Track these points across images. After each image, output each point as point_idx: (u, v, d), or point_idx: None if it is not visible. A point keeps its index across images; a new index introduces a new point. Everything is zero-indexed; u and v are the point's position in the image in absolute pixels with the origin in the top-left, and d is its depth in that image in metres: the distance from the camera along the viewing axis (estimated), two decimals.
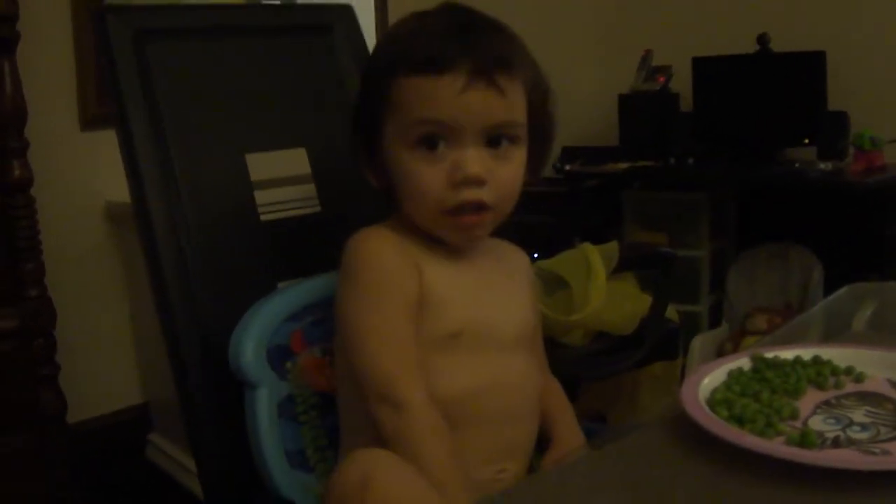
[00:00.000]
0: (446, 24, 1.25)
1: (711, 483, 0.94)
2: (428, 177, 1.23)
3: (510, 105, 1.25)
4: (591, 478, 1.02)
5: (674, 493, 0.94)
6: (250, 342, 1.36)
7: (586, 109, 4.69)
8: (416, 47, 1.23)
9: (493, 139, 1.24)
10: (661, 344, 2.79)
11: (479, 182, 1.23)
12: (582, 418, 1.46)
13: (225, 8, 1.77)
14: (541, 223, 3.52)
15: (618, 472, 1.01)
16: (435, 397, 1.19)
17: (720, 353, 3.75)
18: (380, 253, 1.27)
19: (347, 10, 1.77)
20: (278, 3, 3.35)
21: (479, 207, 1.25)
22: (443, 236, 1.30)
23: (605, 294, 2.61)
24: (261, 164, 1.55)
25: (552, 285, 2.71)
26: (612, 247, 2.73)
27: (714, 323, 4.19)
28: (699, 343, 3.76)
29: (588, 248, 2.70)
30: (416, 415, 1.16)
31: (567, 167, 4.41)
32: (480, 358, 1.29)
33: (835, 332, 1.47)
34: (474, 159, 1.22)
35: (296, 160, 1.60)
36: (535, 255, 2.83)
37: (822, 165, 3.87)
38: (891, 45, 4.09)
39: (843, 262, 2.91)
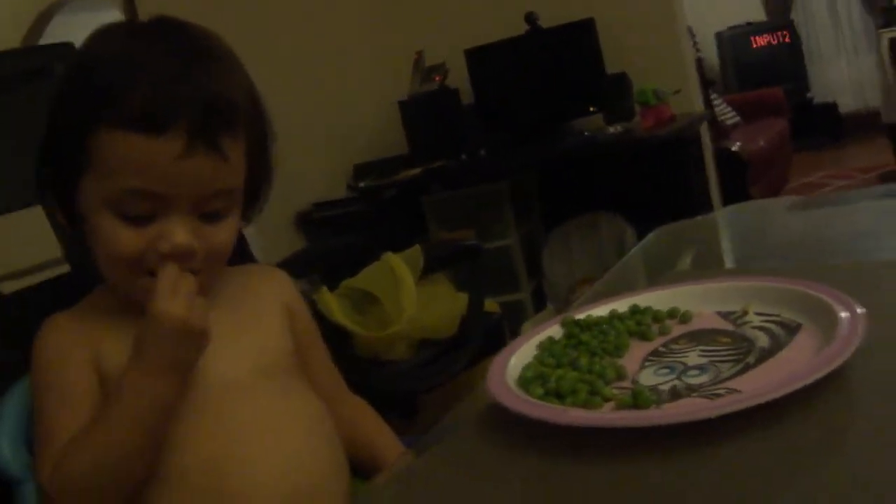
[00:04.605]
0: (157, 56, 1.05)
1: (542, 469, 0.79)
2: (127, 243, 1.06)
3: (231, 170, 1.08)
4: (404, 495, 0.86)
5: (506, 488, 0.79)
6: (5, 435, 1.17)
7: (370, 123, 4.58)
8: (122, 90, 1.02)
9: (207, 207, 1.08)
10: (487, 339, 2.68)
11: (187, 255, 1.07)
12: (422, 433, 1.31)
13: None
14: (346, 245, 3.40)
15: (434, 483, 0.85)
16: (184, 465, 1.09)
17: None
18: (49, 349, 1.14)
19: (67, 49, 1.57)
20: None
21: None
22: (143, 300, 1.10)
23: (418, 300, 2.50)
24: None
25: (363, 303, 2.59)
26: (416, 251, 2.63)
27: (540, 308, 4.12)
28: (530, 329, 3.66)
29: (390, 257, 2.59)
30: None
31: (361, 184, 4.28)
32: (212, 412, 1.12)
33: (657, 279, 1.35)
34: (183, 230, 1.06)
35: (33, 219, 1.39)
36: (346, 277, 2.71)
37: (611, 129, 3.84)
38: None
39: (653, 218, 2.87)
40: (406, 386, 2.59)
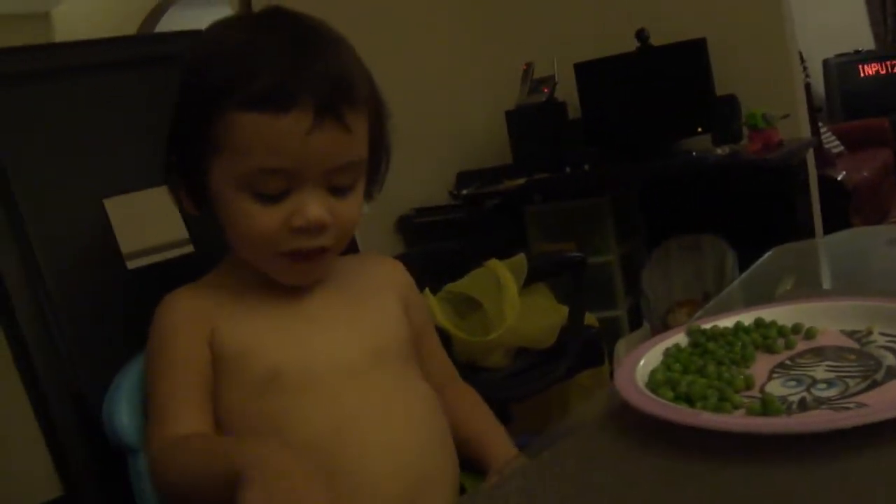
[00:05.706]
0: (279, 42, 1.10)
1: (670, 470, 0.80)
2: (262, 222, 1.12)
3: (357, 142, 1.14)
4: (530, 488, 0.88)
5: (632, 488, 0.80)
6: (124, 404, 1.22)
7: (475, 131, 4.62)
8: (248, 74, 1.07)
9: (335, 181, 1.13)
10: (584, 351, 2.69)
11: (320, 228, 1.13)
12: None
13: (62, 47, 1.61)
14: (448, 249, 3.43)
15: (561, 478, 0.87)
16: (294, 445, 1.08)
17: None
18: (167, 324, 1.19)
19: (196, 36, 1.62)
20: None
21: (319, 252, 1.16)
22: (276, 278, 1.20)
23: (520, 308, 2.51)
24: (122, 209, 1.40)
25: (464, 307, 2.61)
26: (520, 259, 2.64)
27: (635, 326, 4.10)
28: (624, 346, 3.66)
29: (495, 263, 2.60)
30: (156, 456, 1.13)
31: (463, 192, 4.31)
32: (324, 393, 1.15)
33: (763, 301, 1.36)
34: (316, 204, 1.11)
35: (160, 200, 1.44)
36: (445, 282, 2.73)
37: (718, 151, 3.81)
38: (768, 20, 4.08)
39: (756, 244, 2.87)
40: (502, 394, 2.60)
